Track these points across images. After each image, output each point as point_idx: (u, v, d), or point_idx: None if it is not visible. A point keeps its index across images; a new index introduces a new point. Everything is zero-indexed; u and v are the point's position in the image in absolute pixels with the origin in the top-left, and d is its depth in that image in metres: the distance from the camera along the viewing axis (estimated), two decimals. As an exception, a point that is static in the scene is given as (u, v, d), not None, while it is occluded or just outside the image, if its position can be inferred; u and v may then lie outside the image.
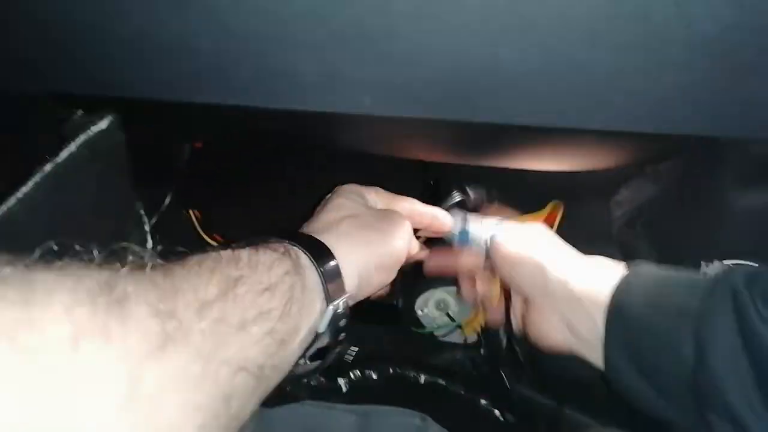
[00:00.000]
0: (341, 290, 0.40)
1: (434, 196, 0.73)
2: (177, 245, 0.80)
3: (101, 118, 0.47)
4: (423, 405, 0.73)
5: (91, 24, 0.37)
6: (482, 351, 0.83)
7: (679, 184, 0.58)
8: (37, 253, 0.27)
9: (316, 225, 0.45)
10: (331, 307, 0.39)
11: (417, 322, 0.87)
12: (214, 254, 0.33)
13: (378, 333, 0.89)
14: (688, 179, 0.56)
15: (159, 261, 0.30)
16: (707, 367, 0.36)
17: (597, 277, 0.44)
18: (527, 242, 0.50)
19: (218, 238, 0.72)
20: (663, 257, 0.67)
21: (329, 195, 0.50)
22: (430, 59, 0.35)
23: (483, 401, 0.79)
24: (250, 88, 0.39)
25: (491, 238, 0.54)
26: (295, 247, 0.39)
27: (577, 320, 0.46)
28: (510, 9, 0.31)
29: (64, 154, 0.44)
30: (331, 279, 0.40)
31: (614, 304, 0.42)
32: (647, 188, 0.61)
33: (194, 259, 0.32)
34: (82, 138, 0.45)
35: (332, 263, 0.40)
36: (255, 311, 0.32)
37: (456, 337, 0.88)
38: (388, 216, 0.48)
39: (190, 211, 0.72)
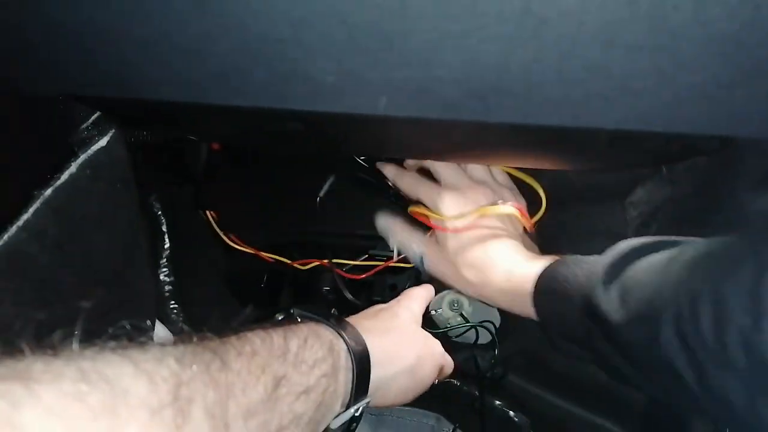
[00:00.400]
0: (363, 394, 0.43)
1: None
2: (194, 245, 0.81)
3: (103, 133, 0.48)
4: (437, 405, 0.73)
5: (109, 25, 0.38)
6: (496, 352, 0.83)
7: (695, 185, 0.57)
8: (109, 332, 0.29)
9: (366, 323, 0.47)
10: (352, 409, 0.41)
11: (431, 322, 0.87)
12: (266, 344, 0.36)
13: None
14: (704, 180, 0.56)
15: (215, 339, 0.33)
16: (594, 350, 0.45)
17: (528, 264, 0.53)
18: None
19: (235, 238, 0.73)
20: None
21: (391, 304, 0.56)
22: (445, 60, 0.35)
23: (496, 402, 0.79)
24: (266, 90, 0.40)
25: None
26: (341, 342, 0.42)
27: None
28: (525, 9, 0.31)
29: (64, 177, 0.44)
30: (361, 384, 0.42)
31: (537, 291, 0.50)
32: (663, 189, 0.61)
33: (248, 348, 0.34)
34: (82, 158, 0.46)
35: (365, 369, 0.43)
36: (290, 416, 0.35)
37: (470, 338, 0.88)
38: (429, 357, 0.53)
39: (208, 212, 0.73)
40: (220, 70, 0.39)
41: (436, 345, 0.52)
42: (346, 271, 0.74)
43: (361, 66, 0.37)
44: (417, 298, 0.57)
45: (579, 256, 0.51)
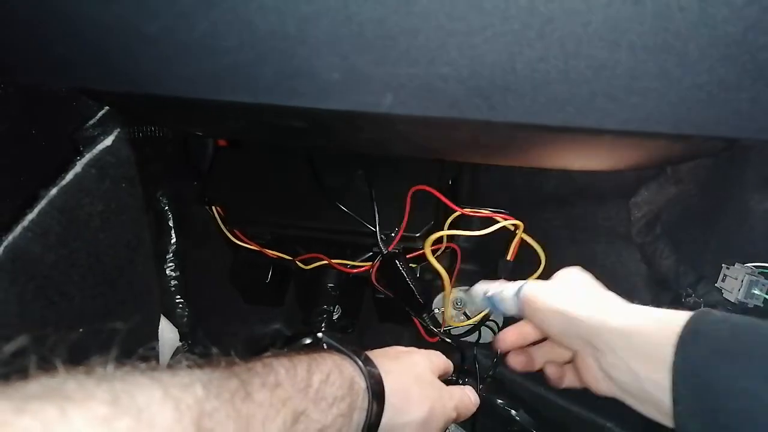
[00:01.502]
0: None
1: (454, 197, 0.73)
2: (200, 240, 0.81)
3: (108, 132, 0.48)
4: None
5: (119, 21, 0.38)
6: (498, 351, 0.83)
7: (700, 185, 0.57)
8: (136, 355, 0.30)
9: (387, 363, 0.47)
10: None
11: (434, 320, 0.87)
12: (290, 376, 0.37)
13: (396, 331, 0.90)
14: (708, 181, 0.56)
15: (241, 365, 0.34)
16: None
17: (654, 327, 0.39)
18: (559, 290, 0.48)
19: (240, 234, 0.73)
20: (683, 259, 0.66)
21: (412, 350, 0.53)
22: (450, 58, 0.35)
23: (499, 401, 0.79)
24: (272, 86, 0.40)
25: (520, 291, 0.51)
26: (362, 381, 0.42)
27: (630, 375, 0.41)
28: (530, 8, 0.31)
29: (69, 176, 0.45)
30: (372, 427, 0.42)
31: (680, 359, 0.35)
32: (667, 190, 0.61)
33: (273, 378, 0.35)
34: (87, 157, 0.46)
35: (380, 412, 0.43)
36: None
37: (472, 336, 0.88)
38: (441, 411, 0.50)
39: (213, 207, 0.73)
40: (227, 67, 0.39)
41: (450, 399, 0.51)
42: (350, 267, 0.75)
43: (366, 63, 0.37)
44: (438, 355, 0.56)
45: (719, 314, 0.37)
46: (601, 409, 0.78)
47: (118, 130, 0.49)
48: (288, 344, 0.47)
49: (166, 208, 0.77)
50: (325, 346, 0.46)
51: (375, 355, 0.47)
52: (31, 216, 0.42)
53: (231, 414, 0.30)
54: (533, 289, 0.50)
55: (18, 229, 0.41)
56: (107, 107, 0.50)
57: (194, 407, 0.28)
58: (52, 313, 0.45)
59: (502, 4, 0.32)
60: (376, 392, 0.43)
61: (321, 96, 0.40)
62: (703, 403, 0.34)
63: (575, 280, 0.49)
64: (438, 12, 0.33)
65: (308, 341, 0.46)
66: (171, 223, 0.77)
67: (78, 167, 0.45)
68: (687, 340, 0.35)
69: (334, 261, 0.73)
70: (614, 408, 0.76)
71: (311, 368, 0.39)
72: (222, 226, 0.73)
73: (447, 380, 0.55)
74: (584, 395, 0.79)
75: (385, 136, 0.51)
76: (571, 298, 0.47)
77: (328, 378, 0.39)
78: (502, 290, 0.54)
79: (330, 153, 0.71)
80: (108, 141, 0.48)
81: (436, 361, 0.54)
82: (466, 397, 0.54)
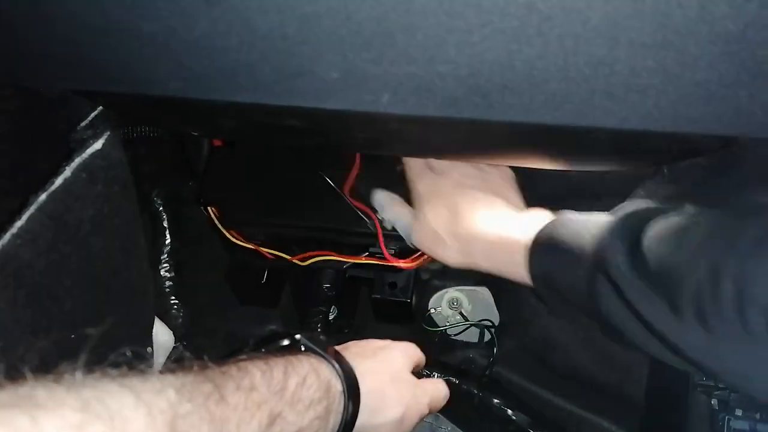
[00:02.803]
0: None
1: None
2: (195, 241, 0.81)
3: (99, 135, 0.47)
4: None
5: (117, 21, 0.38)
6: (495, 350, 0.83)
7: (696, 184, 0.57)
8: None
9: (363, 363, 0.48)
10: None
11: (430, 320, 0.87)
12: (266, 379, 0.37)
13: (392, 331, 0.90)
14: (705, 180, 0.56)
15: (215, 369, 0.34)
16: (601, 313, 0.44)
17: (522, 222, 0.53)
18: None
19: (236, 234, 0.73)
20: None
21: (389, 345, 0.55)
22: (448, 57, 0.35)
23: (495, 400, 0.79)
24: (271, 86, 0.40)
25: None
26: (339, 384, 0.43)
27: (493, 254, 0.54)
28: (529, 6, 0.31)
29: (59, 181, 0.44)
30: (347, 429, 0.43)
31: (537, 246, 0.50)
32: (664, 189, 0.61)
33: (247, 381, 0.35)
34: (77, 161, 0.46)
35: (356, 414, 0.44)
36: None
37: (469, 336, 0.88)
38: (416, 408, 0.52)
39: (209, 208, 0.73)
40: (225, 66, 0.39)
41: (423, 396, 0.52)
42: (346, 268, 0.75)
43: (364, 62, 0.37)
44: (414, 348, 0.57)
45: (575, 214, 0.51)
46: (599, 409, 0.78)
47: (109, 133, 0.48)
48: (264, 345, 0.47)
49: (161, 208, 0.77)
50: (303, 348, 0.46)
51: (352, 354, 0.47)
52: (19, 223, 0.42)
53: (205, 417, 0.30)
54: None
55: (7, 236, 0.41)
56: (99, 109, 0.50)
57: (167, 411, 0.28)
58: (44, 319, 0.44)
59: (501, 2, 0.32)
60: (352, 395, 0.44)
61: (320, 95, 0.39)
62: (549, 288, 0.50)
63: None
64: (436, 10, 0.33)
65: (286, 342, 0.46)
66: (166, 224, 0.77)
67: (68, 172, 0.45)
68: (535, 250, 0.50)
69: (331, 255, 0.72)
70: (612, 408, 0.77)
71: (288, 371, 0.39)
72: (218, 227, 0.73)
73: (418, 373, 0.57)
74: (582, 395, 0.79)
75: (382, 136, 0.51)
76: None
77: (304, 381, 0.39)
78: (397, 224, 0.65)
79: (326, 153, 0.71)
80: (98, 144, 0.47)
81: (412, 355, 0.55)
82: (438, 392, 0.56)
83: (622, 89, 0.34)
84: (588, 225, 0.48)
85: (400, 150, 0.61)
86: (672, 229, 0.42)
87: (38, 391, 0.24)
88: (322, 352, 0.44)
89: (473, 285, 0.85)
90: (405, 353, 0.54)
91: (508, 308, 0.85)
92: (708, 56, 0.32)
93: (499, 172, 0.60)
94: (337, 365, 0.44)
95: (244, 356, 0.39)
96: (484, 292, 0.84)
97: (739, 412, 0.59)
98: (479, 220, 0.55)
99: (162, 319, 0.75)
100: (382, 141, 0.54)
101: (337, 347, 0.48)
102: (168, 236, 0.76)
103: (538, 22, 0.32)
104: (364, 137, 0.51)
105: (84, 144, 0.47)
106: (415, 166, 0.62)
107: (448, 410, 0.72)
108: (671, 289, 0.39)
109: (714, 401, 0.61)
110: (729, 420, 0.59)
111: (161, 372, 0.31)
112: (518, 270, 0.51)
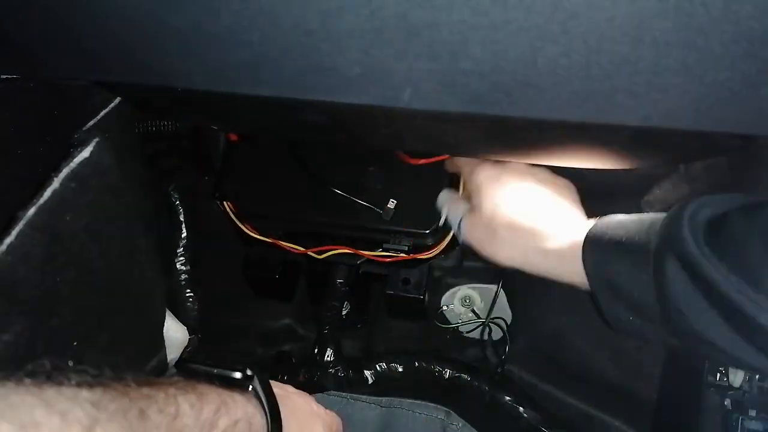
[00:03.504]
0: None
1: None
2: (212, 236, 0.81)
3: (86, 143, 0.46)
4: (447, 399, 0.74)
5: (143, 14, 0.38)
6: (507, 348, 0.84)
7: (713, 184, 0.57)
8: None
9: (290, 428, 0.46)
10: None
11: (442, 317, 0.87)
12: (194, 412, 0.35)
13: (405, 327, 0.90)
14: (723, 179, 0.56)
15: (137, 390, 0.32)
16: (668, 301, 0.42)
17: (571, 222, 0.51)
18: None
19: (251, 228, 0.73)
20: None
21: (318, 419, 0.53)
22: (471, 53, 0.36)
23: (507, 398, 0.80)
24: (293, 80, 0.40)
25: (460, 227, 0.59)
26: (260, 416, 0.42)
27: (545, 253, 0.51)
28: (555, 3, 0.32)
29: (47, 194, 0.43)
30: None
31: (590, 243, 0.48)
32: (680, 188, 0.61)
33: (172, 409, 0.33)
34: (65, 171, 0.44)
35: None
36: None
37: (481, 334, 0.88)
38: None
39: (225, 202, 0.73)
40: (248, 60, 0.39)
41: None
42: (359, 264, 0.75)
43: (387, 57, 0.37)
44: (339, 425, 0.57)
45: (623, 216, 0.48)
46: (610, 408, 0.78)
47: (97, 139, 0.47)
48: (215, 368, 0.44)
49: (178, 202, 0.77)
50: (251, 388, 0.44)
51: (286, 415, 0.46)
52: (8, 239, 0.40)
53: (125, 426, 0.29)
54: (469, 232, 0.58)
55: None
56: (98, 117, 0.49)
57: (84, 419, 0.27)
58: (44, 331, 0.44)
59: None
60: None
61: (341, 90, 0.40)
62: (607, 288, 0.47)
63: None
64: (462, 7, 0.33)
65: (237, 376, 0.44)
66: (182, 218, 0.78)
67: (56, 183, 0.43)
68: (588, 249, 0.48)
69: (348, 249, 0.73)
70: (623, 407, 0.77)
71: (219, 411, 0.37)
72: (234, 220, 0.73)
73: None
74: (593, 394, 0.79)
75: (402, 132, 0.51)
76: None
77: (236, 425, 0.39)
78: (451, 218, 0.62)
79: (344, 148, 0.71)
80: (86, 152, 0.46)
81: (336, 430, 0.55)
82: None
83: (644, 87, 0.35)
84: (645, 216, 0.46)
85: (421, 146, 0.62)
86: (752, 227, 0.39)
87: None
88: (265, 404, 0.43)
89: (486, 283, 0.85)
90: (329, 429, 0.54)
91: (521, 306, 0.85)
92: (731, 56, 0.32)
93: (564, 179, 0.57)
94: (271, 425, 0.43)
95: (176, 379, 0.38)
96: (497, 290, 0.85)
97: (752, 413, 0.59)
98: (544, 211, 0.53)
99: (177, 311, 0.76)
100: (402, 137, 0.55)
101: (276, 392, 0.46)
102: (184, 230, 0.77)
103: (563, 19, 0.32)
104: (385, 133, 0.51)
105: (71, 153, 0.46)
106: (471, 159, 0.59)
107: (459, 407, 0.72)
108: (749, 263, 0.37)
109: (727, 401, 0.60)
110: (742, 420, 0.59)
111: (77, 384, 0.29)
112: (575, 269, 0.48)
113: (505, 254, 0.54)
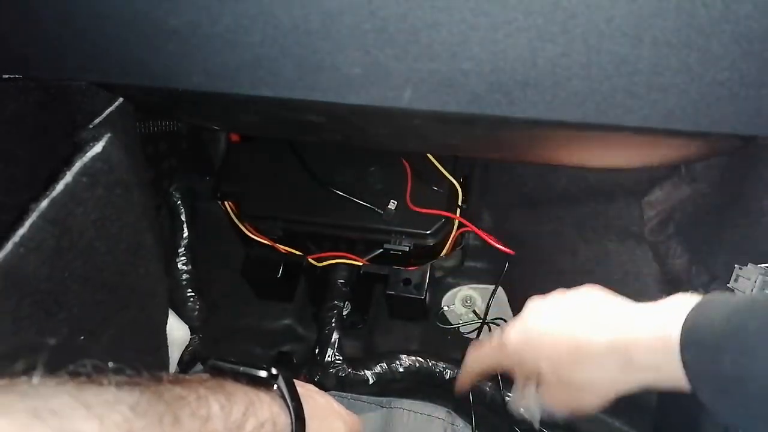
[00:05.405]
0: None
1: (465, 194, 0.73)
2: (212, 235, 0.81)
3: (98, 138, 0.47)
4: (448, 399, 0.73)
5: (142, 15, 0.38)
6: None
7: (714, 184, 0.57)
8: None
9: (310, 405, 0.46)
10: None
11: (443, 318, 0.87)
12: (224, 413, 0.36)
13: (405, 328, 0.90)
14: (723, 180, 0.56)
15: (172, 391, 0.33)
16: None
17: (660, 318, 0.41)
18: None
19: (252, 229, 0.73)
20: (695, 259, 0.66)
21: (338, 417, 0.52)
22: (471, 53, 0.36)
23: (507, 397, 0.79)
24: (293, 81, 0.40)
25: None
26: (285, 416, 0.42)
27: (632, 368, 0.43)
28: (554, 3, 0.32)
29: (60, 187, 0.43)
30: None
31: (686, 338, 0.39)
32: (681, 189, 0.61)
33: (204, 412, 0.34)
34: (77, 165, 0.45)
35: None
36: None
37: (481, 334, 0.88)
38: None
39: (226, 202, 0.73)
40: (249, 61, 0.39)
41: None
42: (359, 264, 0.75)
43: (387, 58, 0.37)
44: (359, 425, 0.56)
45: (717, 293, 0.41)
46: (611, 409, 0.78)
47: (109, 135, 0.47)
48: (241, 366, 0.44)
49: (179, 202, 0.77)
50: (275, 387, 0.43)
51: (309, 414, 0.46)
52: (21, 231, 0.41)
53: None
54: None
55: (9, 246, 0.40)
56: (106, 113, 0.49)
57: (122, 425, 0.27)
58: (51, 324, 0.44)
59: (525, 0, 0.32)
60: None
61: (342, 91, 0.40)
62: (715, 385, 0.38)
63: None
64: (461, 7, 0.33)
65: (263, 375, 0.44)
66: (183, 218, 0.78)
67: (68, 177, 0.44)
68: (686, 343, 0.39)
69: (345, 257, 0.73)
70: (624, 408, 0.77)
71: (248, 412, 0.38)
72: (235, 220, 0.73)
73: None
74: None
75: (401, 132, 0.51)
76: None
77: (262, 427, 0.39)
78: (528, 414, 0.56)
79: (345, 149, 0.72)
80: (98, 147, 0.46)
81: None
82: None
83: (644, 88, 0.35)
84: (740, 296, 0.40)
85: (421, 147, 0.62)
86: None
87: None
88: (290, 404, 0.43)
89: (487, 284, 0.85)
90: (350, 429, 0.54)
91: (521, 307, 0.85)
92: (731, 56, 0.32)
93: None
94: (296, 425, 0.42)
95: (205, 377, 0.39)
96: (497, 291, 0.85)
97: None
98: (624, 318, 0.45)
99: (179, 310, 0.76)
100: (401, 137, 0.55)
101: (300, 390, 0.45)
102: (185, 230, 0.77)
103: (563, 19, 0.32)
104: (384, 133, 0.51)
105: (84, 147, 0.46)
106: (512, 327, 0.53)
107: (461, 407, 0.72)
108: None
109: (728, 402, 0.60)
110: (743, 421, 0.58)
111: (117, 386, 0.30)
112: (676, 371, 0.40)
113: (608, 385, 0.47)
